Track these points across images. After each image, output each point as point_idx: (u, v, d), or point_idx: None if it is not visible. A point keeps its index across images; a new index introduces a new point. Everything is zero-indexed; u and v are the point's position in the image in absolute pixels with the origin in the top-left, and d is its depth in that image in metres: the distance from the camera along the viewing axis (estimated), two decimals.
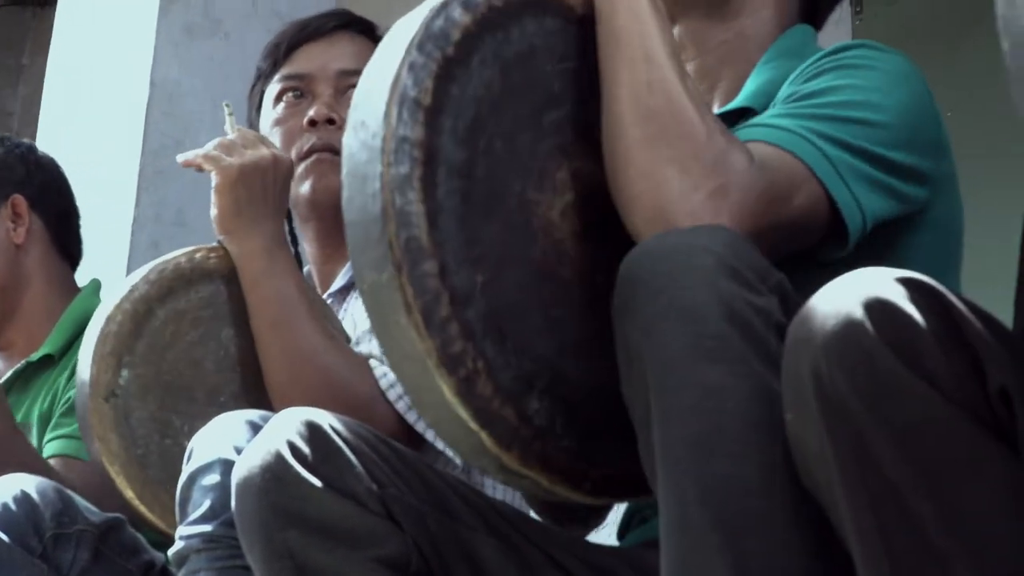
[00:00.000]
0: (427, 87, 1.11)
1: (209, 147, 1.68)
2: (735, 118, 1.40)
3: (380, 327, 1.10)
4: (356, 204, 1.09)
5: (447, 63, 1.13)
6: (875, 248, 1.28)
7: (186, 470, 1.39)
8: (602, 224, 1.22)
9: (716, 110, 1.45)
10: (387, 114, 1.08)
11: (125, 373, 1.59)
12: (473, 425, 1.09)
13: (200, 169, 1.67)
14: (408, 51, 1.11)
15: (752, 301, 1.04)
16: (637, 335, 1.05)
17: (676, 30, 1.50)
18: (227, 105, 1.76)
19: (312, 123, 1.78)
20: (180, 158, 1.69)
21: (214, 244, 1.68)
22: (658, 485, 1.03)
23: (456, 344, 1.07)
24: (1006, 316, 1.33)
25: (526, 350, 1.14)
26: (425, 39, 1.12)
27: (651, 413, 1.03)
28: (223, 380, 1.65)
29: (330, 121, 1.77)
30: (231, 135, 1.71)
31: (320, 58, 1.85)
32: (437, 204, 1.09)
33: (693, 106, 1.20)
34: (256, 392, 1.62)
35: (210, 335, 1.65)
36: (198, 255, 1.67)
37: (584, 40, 1.26)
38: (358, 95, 1.15)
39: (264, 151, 1.67)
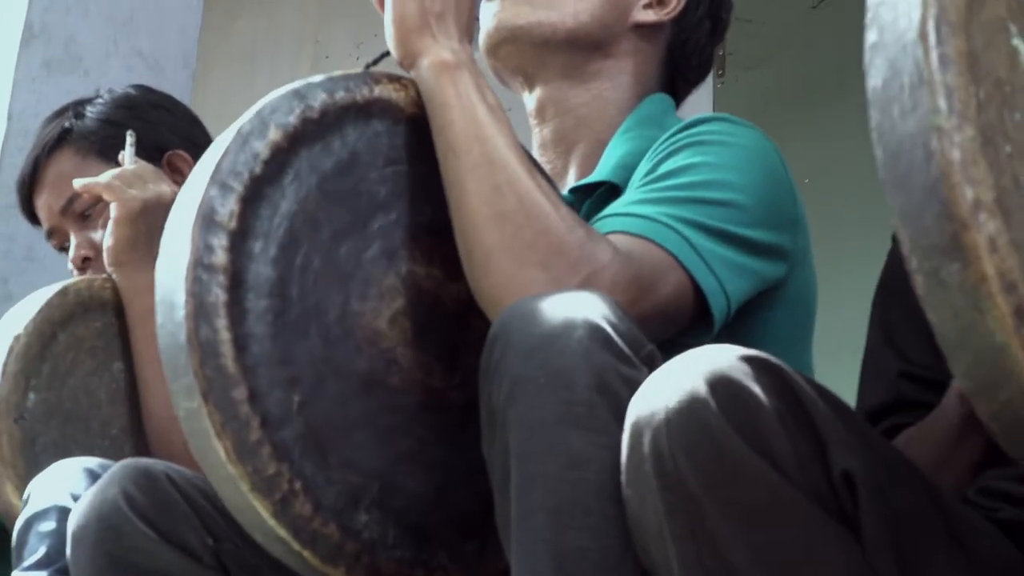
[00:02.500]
0: (233, 211, 1.13)
1: (108, 176, 1.73)
2: (593, 190, 1.45)
3: (197, 452, 1.13)
4: (166, 331, 1.12)
5: (255, 183, 1.15)
6: (733, 327, 1.31)
7: (23, 515, 1.44)
8: (434, 327, 1.25)
9: (575, 179, 1.51)
10: (192, 241, 1.10)
11: (32, 396, 1.63)
12: (295, 545, 1.12)
13: (99, 199, 1.70)
14: (215, 174, 1.14)
15: (622, 372, 1.04)
16: (503, 397, 1.05)
17: (535, 92, 1.55)
18: (131, 134, 1.80)
19: (82, 266, 1.82)
20: (78, 183, 1.73)
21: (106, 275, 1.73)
22: (512, 553, 1.04)
23: (270, 467, 1.11)
24: (854, 387, 1.38)
25: (352, 464, 1.17)
26: (233, 161, 1.15)
27: (511, 479, 1.04)
28: (115, 413, 1.69)
29: (86, 259, 1.80)
30: (130, 166, 1.72)
31: (47, 208, 1.88)
32: (246, 329, 1.12)
33: (548, 202, 1.21)
34: (133, 425, 1.67)
35: (104, 366, 1.70)
36: (96, 283, 1.73)
37: (413, 140, 1.29)
38: (170, 220, 1.18)
39: (165, 188, 1.72)
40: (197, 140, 1.92)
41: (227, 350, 1.10)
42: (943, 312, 0.79)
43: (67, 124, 1.90)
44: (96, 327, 1.69)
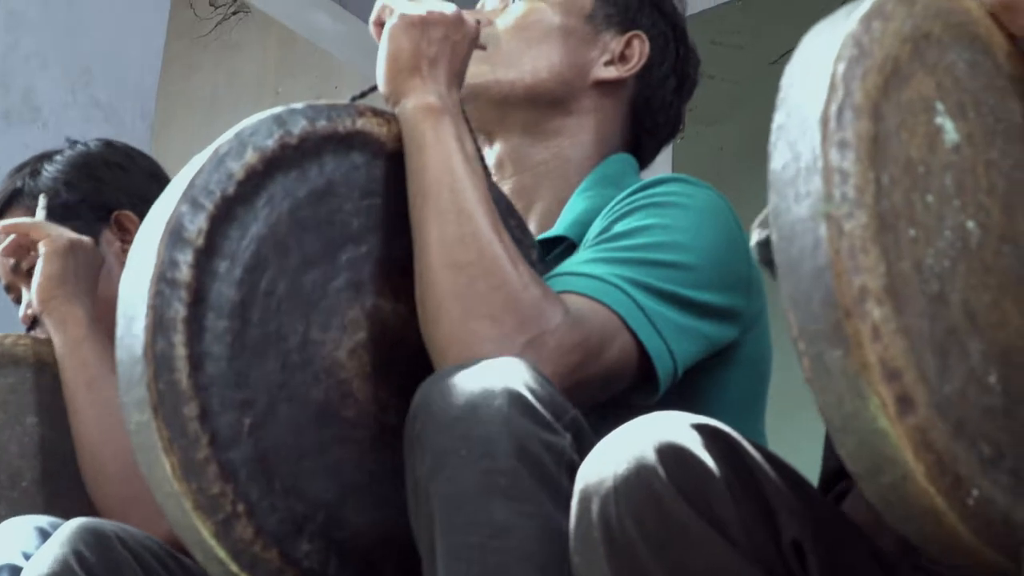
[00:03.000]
0: (201, 228, 1.14)
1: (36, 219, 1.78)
2: (552, 246, 1.46)
3: (144, 465, 1.14)
4: (124, 343, 1.14)
5: (227, 203, 1.16)
6: (684, 388, 1.32)
7: None
8: (395, 364, 1.26)
9: (534, 234, 1.50)
10: (157, 255, 1.11)
11: None
12: (234, 567, 1.13)
13: (27, 237, 1.74)
14: (187, 191, 1.15)
15: (544, 438, 1.05)
16: (426, 471, 1.06)
17: (496, 148, 1.56)
18: (43, 197, 1.85)
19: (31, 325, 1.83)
20: (4, 224, 1.77)
21: (22, 333, 1.76)
22: None
23: (214, 487, 1.11)
24: (816, 443, 1.41)
25: (299, 492, 1.17)
26: (207, 179, 1.16)
27: (436, 550, 1.04)
28: (25, 466, 1.69)
29: (36, 317, 1.79)
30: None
31: (1, 264, 1.89)
32: (203, 347, 1.13)
33: (508, 258, 1.23)
34: (56, 480, 1.68)
35: (15, 420, 1.70)
36: (7, 340, 1.74)
37: (391, 176, 1.30)
38: (139, 234, 1.19)
39: (86, 238, 1.76)
40: (153, 197, 1.97)
41: (182, 366, 1.11)
42: (828, 397, 0.81)
43: (19, 184, 1.93)
44: (8, 383, 1.71)
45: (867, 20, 0.88)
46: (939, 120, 0.90)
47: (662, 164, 3.47)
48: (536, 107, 1.54)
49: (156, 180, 1.96)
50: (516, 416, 1.05)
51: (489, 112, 1.53)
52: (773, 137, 0.86)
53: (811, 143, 0.83)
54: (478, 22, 1.45)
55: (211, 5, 5.26)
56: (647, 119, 1.64)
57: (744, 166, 3.31)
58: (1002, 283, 0.90)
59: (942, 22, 0.95)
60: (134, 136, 2.53)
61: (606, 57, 1.59)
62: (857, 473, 0.82)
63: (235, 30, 5.23)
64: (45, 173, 1.94)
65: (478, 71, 1.49)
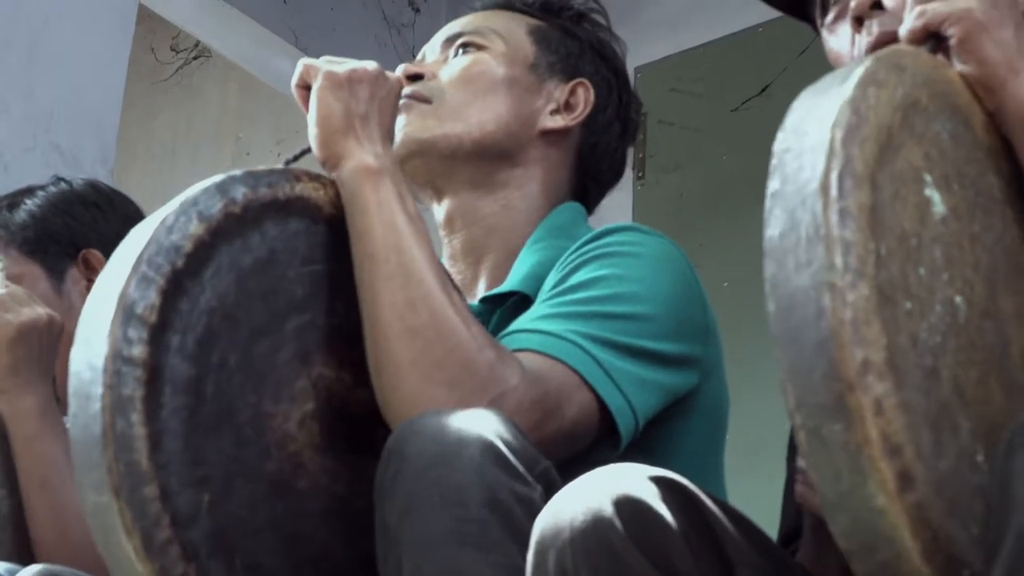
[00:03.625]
0: (153, 303, 1.13)
1: None
2: (503, 300, 1.46)
3: (103, 546, 1.12)
4: (80, 422, 1.12)
5: (176, 276, 1.15)
6: (644, 439, 1.32)
7: None
8: (344, 433, 1.26)
9: (484, 288, 1.52)
10: (111, 333, 1.10)
11: None
12: None
13: None
14: (136, 265, 1.14)
15: (516, 489, 1.06)
16: (396, 515, 1.06)
17: (444, 203, 1.56)
18: (1, 259, 1.82)
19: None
20: None
21: None
22: None
23: (177, 567, 1.10)
24: (775, 488, 1.40)
25: (258, 568, 1.16)
26: (155, 252, 1.15)
27: None
28: None
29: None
30: (1, 291, 1.74)
31: None
32: (161, 425, 1.12)
33: (460, 320, 1.23)
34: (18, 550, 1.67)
35: None
36: None
37: (331, 241, 1.30)
38: (87, 308, 1.17)
39: (40, 310, 1.71)
40: None
41: (141, 446, 1.10)
42: (825, 472, 0.80)
43: None
44: None
45: (863, 86, 0.88)
46: (928, 192, 0.90)
47: (622, 210, 3.50)
48: (484, 160, 1.55)
49: (133, 225, 1.96)
50: (488, 466, 1.05)
51: (437, 167, 1.53)
52: (768, 204, 0.85)
53: (812, 211, 0.82)
54: (421, 75, 1.48)
55: (172, 50, 5.27)
56: (593, 165, 1.64)
57: (704, 213, 3.32)
58: (986, 360, 0.90)
59: (929, 90, 0.96)
60: None
61: (552, 106, 1.60)
62: (849, 550, 0.81)
63: (196, 75, 5.23)
64: (22, 206, 1.95)
65: (425, 125, 1.51)
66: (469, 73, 1.57)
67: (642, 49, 3.66)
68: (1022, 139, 1.03)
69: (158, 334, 1.13)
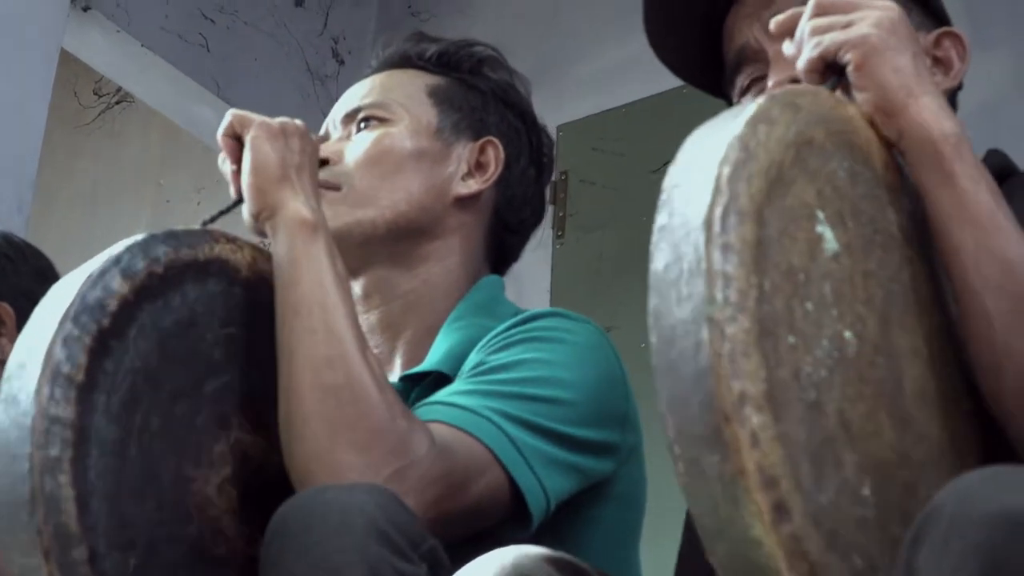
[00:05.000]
0: (80, 363, 1.14)
1: None
2: (422, 379, 1.46)
3: None
4: (5, 484, 1.12)
5: (102, 336, 1.16)
6: (557, 522, 1.34)
7: None
8: (262, 498, 1.26)
9: (402, 365, 1.53)
10: (38, 392, 1.11)
11: None
12: None
13: None
14: (63, 323, 1.15)
15: (399, 567, 1.06)
16: None
17: (361, 280, 1.56)
18: None
19: None
20: None
21: None
22: None
23: None
24: None
25: None
26: (81, 310, 1.16)
27: None
28: None
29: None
30: None
31: None
32: (88, 487, 1.12)
33: (375, 385, 1.24)
34: None
35: None
36: None
37: (246, 304, 1.32)
38: (10, 366, 1.17)
39: None
40: (37, 296, 1.98)
41: (70, 507, 1.10)
42: (703, 502, 0.82)
43: None
44: None
45: (753, 123, 0.92)
46: (820, 228, 0.93)
47: (541, 269, 3.53)
48: (400, 239, 1.55)
49: (44, 279, 1.97)
50: (372, 544, 1.06)
51: (354, 252, 1.51)
52: (655, 237, 0.88)
53: (695, 245, 0.85)
54: (326, 161, 1.50)
55: (95, 94, 5.31)
56: (512, 218, 1.65)
57: (622, 273, 3.35)
58: (876, 394, 0.93)
59: (825, 129, 0.99)
60: (9, 227, 2.53)
61: (462, 170, 1.60)
62: None
63: (119, 119, 5.28)
64: None
65: (335, 213, 1.50)
66: (374, 153, 1.56)
67: (565, 107, 3.71)
68: (922, 163, 1.07)
69: (85, 394, 1.14)
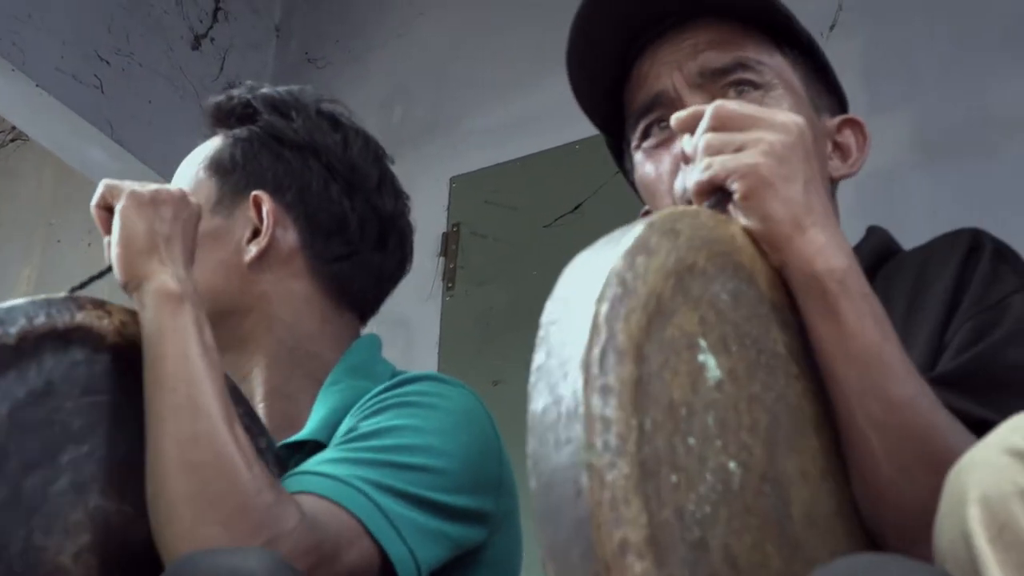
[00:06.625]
0: None
1: None
2: (300, 447, 1.42)
3: None
4: None
5: None
6: None
7: None
8: (126, 566, 1.23)
9: (286, 432, 1.48)
10: None
11: None
12: None
13: None
14: None
15: None
16: None
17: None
18: None
19: None
20: None
21: None
22: None
23: None
24: None
25: None
26: None
27: None
28: None
29: None
30: None
31: None
32: None
33: (242, 459, 1.21)
34: None
35: None
36: None
37: (113, 370, 1.27)
38: None
39: None
40: None
41: None
42: None
43: None
44: None
45: (631, 256, 0.88)
46: (702, 357, 0.90)
47: (430, 320, 3.49)
48: (219, 326, 1.40)
49: None
50: None
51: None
52: (533, 378, 0.84)
53: (573, 388, 0.81)
54: None
55: None
56: (331, 248, 1.58)
57: (511, 327, 3.33)
58: (763, 524, 0.90)
59: (707, 251, 0.96)
60: None
61: (247, 233, 1.54)
62: None
63: (12, 157, 5.21)
64: None
65: None
66: None
67: (459, 159, 3.69)
68: (806, 297, 1.03)
69: None
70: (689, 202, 1.11)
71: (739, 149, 1.06)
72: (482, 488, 1.38)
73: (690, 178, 1.09)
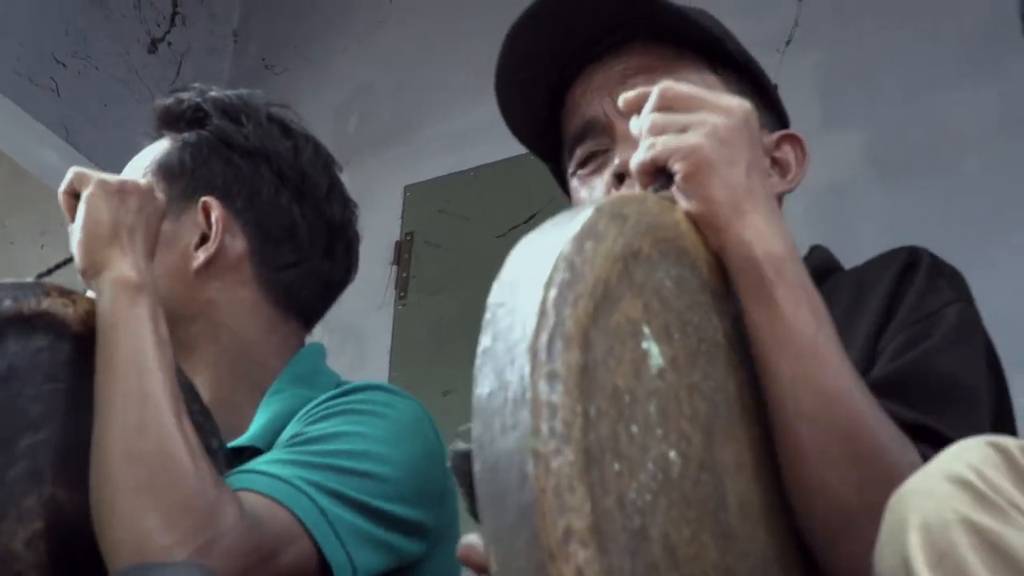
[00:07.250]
0: None
1: None
2: (242, 452, 1.40)
3: None
4: None
5: None
6: None
7: None
8: (77, 554, 1.21)
9: (233, 435, 1.45)
10: None
11: None
12: None
13: None
14: None
15: None
16: None
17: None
18: None
19: None
20: None
21: None
22: None
23: None
24: None
25: None
26: None
27: None
28: None
29: None
30: None
31: None
32: None
33: (187, 453, 1.19)
34: None
35: None
36: None
37: (75, 359, 1.26)
38: None
39: None
40: None
41: None
42: None
43: None
44: None
45: (580, 240, 0.86)
46: (645, 345, 0.89)
47: (383, 329, 3.48)
48: (171, 329, 1.34)
49: None
50: None
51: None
52: (479, 361, 0.83)
53: (520, 373, 0.79)
54: None
55: None
56: (280, 256, 1.56)
57: (465, 336, 3.31)
58: (700, 515, 0.89)
59: (652, 237, 0.95)
60: None
61: (195, 239, 1.52)
62: None
63: None
64: None
65: None
66: None
67: (415, 167, 3.68)
68: (743, 282, 1.02)
69: None
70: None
71: (683, 130, 1.05)
72: (425, 499, 1.37)
73: (634, 158, 1.08)
